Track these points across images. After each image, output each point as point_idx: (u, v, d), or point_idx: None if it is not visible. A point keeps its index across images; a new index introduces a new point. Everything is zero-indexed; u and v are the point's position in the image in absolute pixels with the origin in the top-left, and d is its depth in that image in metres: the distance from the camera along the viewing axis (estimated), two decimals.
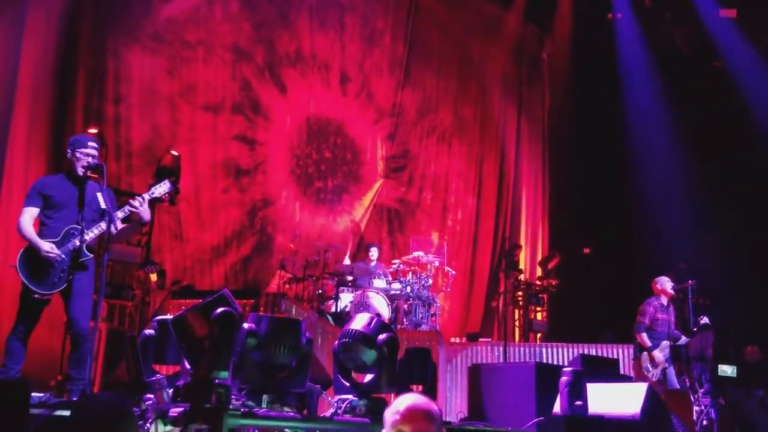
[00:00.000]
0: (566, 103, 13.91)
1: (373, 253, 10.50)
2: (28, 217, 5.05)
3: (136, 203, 5.16)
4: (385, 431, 2.47)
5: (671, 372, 8.22)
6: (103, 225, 5.03)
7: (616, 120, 13.17)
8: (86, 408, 2.66)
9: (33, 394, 3.83)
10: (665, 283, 8.51)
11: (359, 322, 4.38)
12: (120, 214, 5.12)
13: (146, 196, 5.23)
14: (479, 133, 14.14)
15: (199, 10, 10.93)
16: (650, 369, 8.14)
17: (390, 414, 2.47)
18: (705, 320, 8.18)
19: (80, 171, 5.14)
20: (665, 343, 8.25)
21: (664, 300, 8.45)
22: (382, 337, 4.27)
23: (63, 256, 4.97)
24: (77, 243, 5.00)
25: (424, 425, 2.42)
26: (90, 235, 5.05)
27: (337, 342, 4.42)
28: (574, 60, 13.86)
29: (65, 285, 4.98)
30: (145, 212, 5.25)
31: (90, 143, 5.23)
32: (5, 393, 3.25)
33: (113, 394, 3.63)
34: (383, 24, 13.09)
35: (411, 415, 2.43)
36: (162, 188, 5.34)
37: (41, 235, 5.02)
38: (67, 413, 3.81)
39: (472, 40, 14.14)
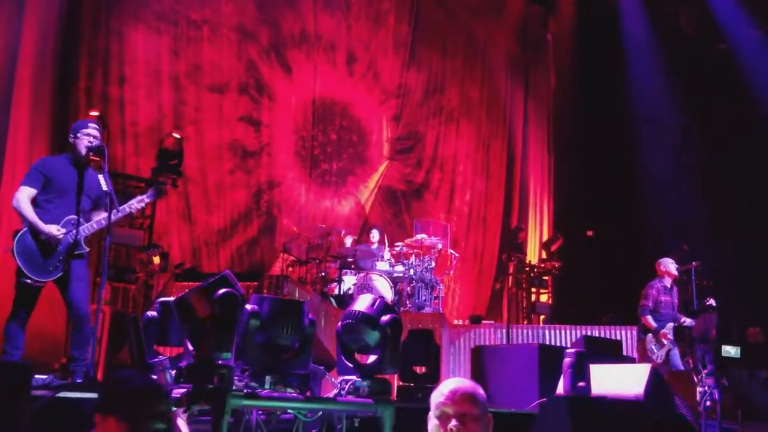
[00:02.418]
0: (571, 84, 13.86)
1: (374, 235, 10.48)
2: (26, 196, 5.01)
3: (132, 209, 5.27)
4: (431, 414, 2.51)
5: (675, 353, 8.24)
6: (104, 221, 5.09)
7: (621, 101, 13.11)
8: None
9: (36, 376, 3.84)
10: (669, 265, 8.49)
11: (362, 303, 4.37)
12: (118, 213, 5.17)
13: (146, 199, 5.30)
14: (486, 114, 14.11)
15: None
16: (655, 350, 8.15)
17: (435, 396, 2.52)
18: (711, 302, 8.18)
19: (82, 151, 5.13)
20: (670, 325, 8.25)
21: (668, 282, 8.44)
22: (385, 318, 4.25)
23: (61, 245, 4.96)
24: (75, 236, 5.00)
25: (468, 407, 2.44)
26: (89, 230, 5.10)
27: (340, 323, 4.41)
28: (578, 40, 13.79)
29: (61, 273, 4.98)
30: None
31: (91, 124, 5.23)
32: (6, 376, 3.26)
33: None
34: (388, 4, 13.00)
35: (455, 397, 2.46)
36: (157, 194, 5.41)
37: (39, 218, 5.00)
38: (71, 395, 3.83)
39: (476, 20, 14.06)
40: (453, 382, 2.52)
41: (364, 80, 12.69)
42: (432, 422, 2.49)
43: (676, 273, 8.47)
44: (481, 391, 2.53)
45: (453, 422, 2.42)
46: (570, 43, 14.14)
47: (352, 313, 4.33)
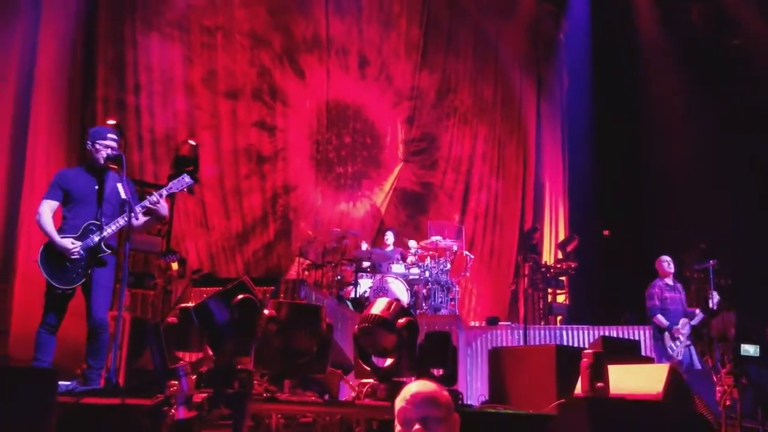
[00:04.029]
0: (584, 83, 13.82)
1: (389, 237, 10.50)
2: (47, 209, 5.09)
3: (153, 199, 5.20)
4: (396, 421, 2.50)
5: (693, 351, 8.24)
6: (122, 221, 5.10)
7: (635, 99, 13.06)
8: None
9: (60, 382, 3.89)
10: (662, 263, 8.63)
11: (378, 306, 4.40)
12: (138, 209, 5.17)
13: (164, 192, 5.27)
14: (500, 115, 14.11)
15: None
16: (674, 348, 8.16)
17: (397, 402, 2.50)
18: (714, 297, 8.27)
19: (100, 161, 5.19)
20: (683, 320, 8.29)
21: (669, 279, 8.52)
22: (401, 321, 4.29)
23: (81, 252, 5.02)
24: (96, 239, 5.05)
25: (430, 410, 2.43)
26: (108, 230, 5.11)
27: (357, 327, 4.45)
28: (590, 39, 13.75)
29: (84, 280, 5.04)
30: (163, 208, 5.30)
31: (109, 134, 5.28)
32: (32, 381, 3.32)
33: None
34: (399, 7, 13.04)
35: (416, 400, 2.45)
36: (180, 183, 5.38)
37: (61, 230, 5.06)
38: (94, 401, 3.89)
39: (487, 20, 14.08)
40: (414, 386, 2.50)
41: (376, 83, 12.73)
42: (396, 429, 2.48)
43: (668, 271, 8.55)
44: (444, 392, 2.51)
45: (416, 426, 2.40)
46: (582, 42, 14.09)
47: (368, 316, 4.36)
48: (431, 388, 2.49)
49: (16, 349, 7.39)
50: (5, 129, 8.19)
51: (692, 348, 8.27)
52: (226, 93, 10.92)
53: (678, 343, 8.16)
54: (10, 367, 5.77)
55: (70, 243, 4.99)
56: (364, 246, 10.58)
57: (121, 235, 5.28)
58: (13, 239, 7.95)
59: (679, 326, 8.21)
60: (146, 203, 5.18)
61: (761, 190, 11.58)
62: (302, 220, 11.44)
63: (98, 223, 5.09)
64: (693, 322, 8.34)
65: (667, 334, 8.22)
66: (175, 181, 5.39)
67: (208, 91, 10.73)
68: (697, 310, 8.41)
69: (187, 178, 5.39)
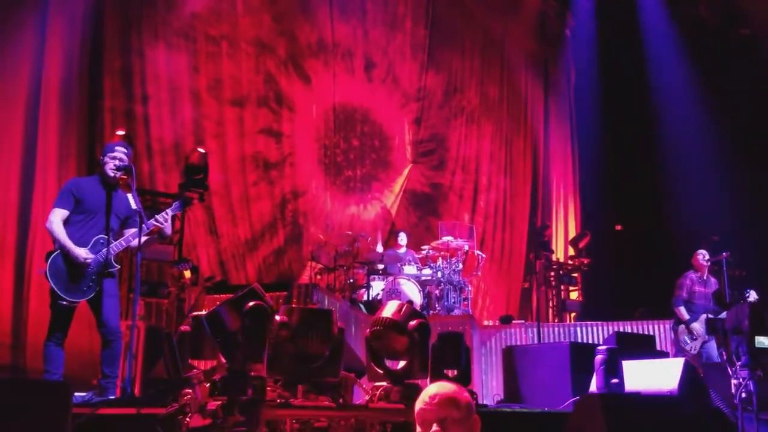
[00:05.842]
0: (592, 78, 13.79)
1: (402, 238, 10.52)
2: (59, 218, 5.08)
3: (161, 219, 5.24)
4: (416, 420, 2.50)
5: (711, 346, 8.19)
6: (131, 238, 5.17)
7: (643, 93, 13.00)
8: None
9: (75, 393, 3.92)
10: (697, 257, 8.56)
11: (389, 309, 4.40)
12: (144, 228, 5.20)
13: (169, 211, 5.31)
14: (507, 113, 14.09)
15: (221, 4, 10.93)
16: (688, 342, 8.13)
17: (417, 404, 2.51)
18: (753, 295, 8.18)
19: (110, 173, 5.23)
20: (704, 316, 8.22)
21: (703, 273, 8.45)
22: (412, 323, 4.29)
23: (93, 264, 5.04)
24: (106, 254, 5.08)
25: (448, 411, 2.43)
26: (117, 248, 5.16)
27: (368, 330, 4.45)
28: (597, 34, 13.71)
29: (94, 293, 5.06)
30: (168, 227, 5.33)
31: (118, 147, 5.33)
32: (47, 394, 3.34)
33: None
34: (404, 8, 13.05)
35: (434, 401, 2.46)
36: (180, 205, 5.47)
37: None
38: (110, 411, 3.92)
39: (493, 18, 14.06)
40: (433, 388, 2.51)
41: (383, 85, 12.73)
42: (416, 431, 2.48)
43: (703, 264, 8.50)
44: (464, 394, 2.50)
45: (434, 427, 2.41)
46: (589, 37, 14.05)
47: (379, 319, 4.36)
48: (450, 389, 2.49)
49: (32, 360, 7.45)
50: (17, 141, 8.25)
51: (710, 341, 8.22)
52: (232, 101, 10.96)
53: (693, 337, 8.12)
54: (25, 379, 5.83)
55: (84, 252, 5.01)
56: (380, 247, 10.57)
57: (130, 244, 5.31)
58: (26, 250, 8.01)
59: (698, 322, 8.16)
60: (152, 222, 5.23)
61: None
62: (312, 224, 11.46)
63: (107, 237, 5.12)
64: (720, 316, 8.28)
65: (682, 327, 8.19)
66: (177, 203, 5.47)
67: (214, 99, 10.77)
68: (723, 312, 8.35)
69: (180, 202, 5.48)
